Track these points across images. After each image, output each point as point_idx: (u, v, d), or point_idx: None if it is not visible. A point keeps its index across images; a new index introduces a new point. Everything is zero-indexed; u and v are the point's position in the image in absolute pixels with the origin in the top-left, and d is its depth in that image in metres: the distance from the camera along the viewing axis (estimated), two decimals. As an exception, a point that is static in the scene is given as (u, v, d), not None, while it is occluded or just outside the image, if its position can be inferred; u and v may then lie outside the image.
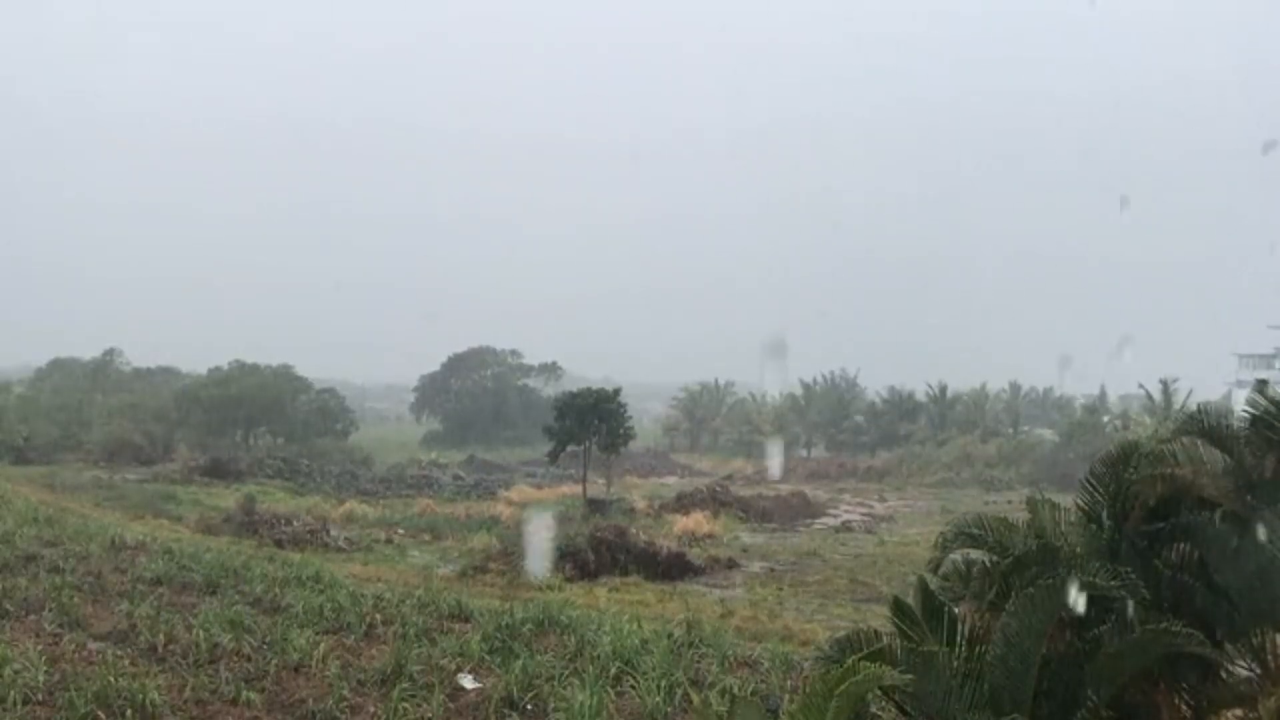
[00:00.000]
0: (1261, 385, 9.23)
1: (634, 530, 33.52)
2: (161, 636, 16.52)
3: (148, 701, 13.08)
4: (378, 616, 19.04)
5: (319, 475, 57.98)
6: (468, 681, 15.11)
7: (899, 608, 9.23)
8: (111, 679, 13.61)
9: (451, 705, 14.07)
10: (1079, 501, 9.82)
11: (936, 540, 10.43)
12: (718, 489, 49.23)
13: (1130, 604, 8.41)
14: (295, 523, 36.47)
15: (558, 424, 47.32)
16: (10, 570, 21.99)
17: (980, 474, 65.49)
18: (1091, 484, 9.71)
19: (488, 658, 16.28)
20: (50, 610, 18.30)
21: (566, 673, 15.23)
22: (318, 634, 17.38)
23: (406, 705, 13.67)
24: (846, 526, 42.96)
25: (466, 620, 19.40)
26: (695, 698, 12.96)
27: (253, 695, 13.88)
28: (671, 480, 64.64)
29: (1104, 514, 9.48)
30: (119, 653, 15.70)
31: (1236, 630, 8.89)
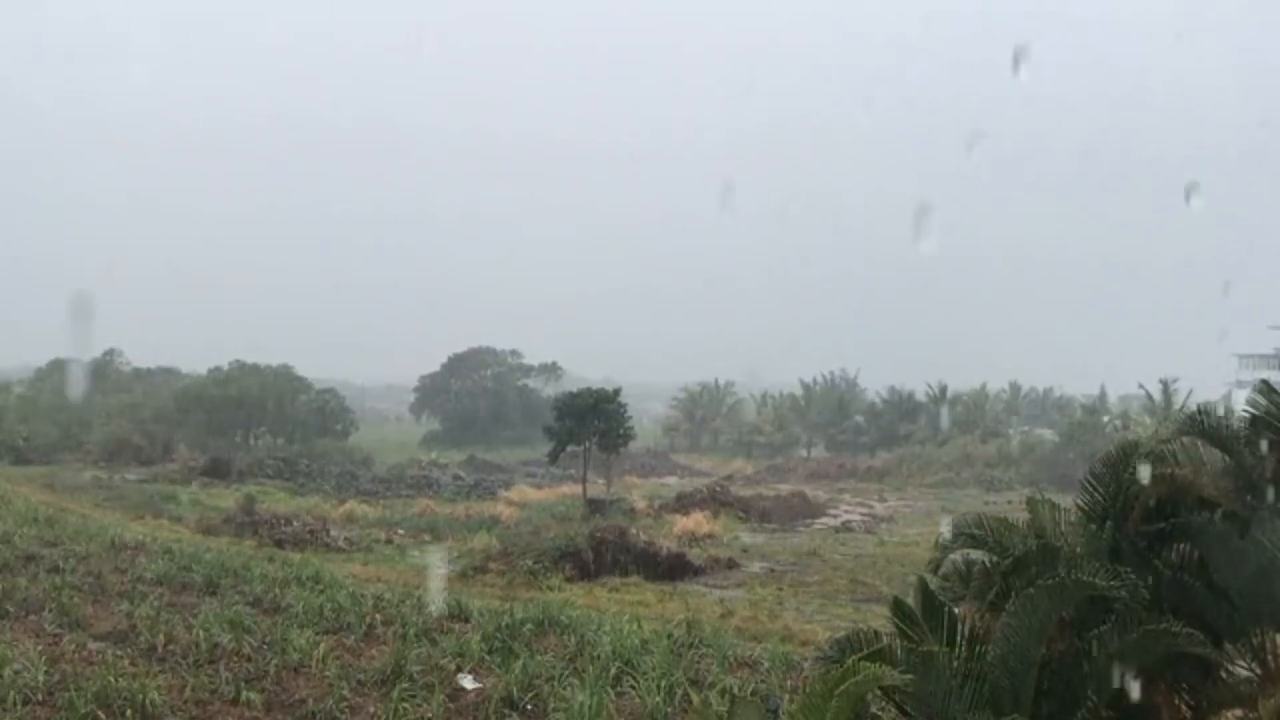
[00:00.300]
0: (1265, 385, 9.22)
1: (634, 530, 33.50)
2: (161, 637, 16.53)
3: (148, 701, 13.10)
4: (378, 617, 19.05)
5: (319, 475, 57.94)
6: (468, 682, 15.12)
7: (899, 608, 9.23)
8: (111, 679, 13.62)
9: (451, 705, 14.08)
10: (1079, 502, 9.82)
11: (936, 540, 10.43)
12: (718, 489, 49.21)
13: (1130, 604, 8.41)
14: (295, 523, 36.47)
15: (558, 424, 47.29)
16: (10, 570, 22.01)
17: (980, 474, 65.45)
18: (1091, 484, 9.71)
19: (488, 658, 16.29)
20: (50, 610, 18.32)
21: (566, 673, 15.24)
22: (318, 634, 17.40)
23: (406, 705, 13.68)
24: (846, 527, 42.94)
25: (466, 620, 19.41)
26: (695, 698, 12.98)
27: (253, 695, 13.88)
28: (671, 480, 64.62)
29: (1104, 514, 9.48)
30: (119, 653, 15.72)
31: (1236, 630, 8.89)
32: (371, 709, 13.80)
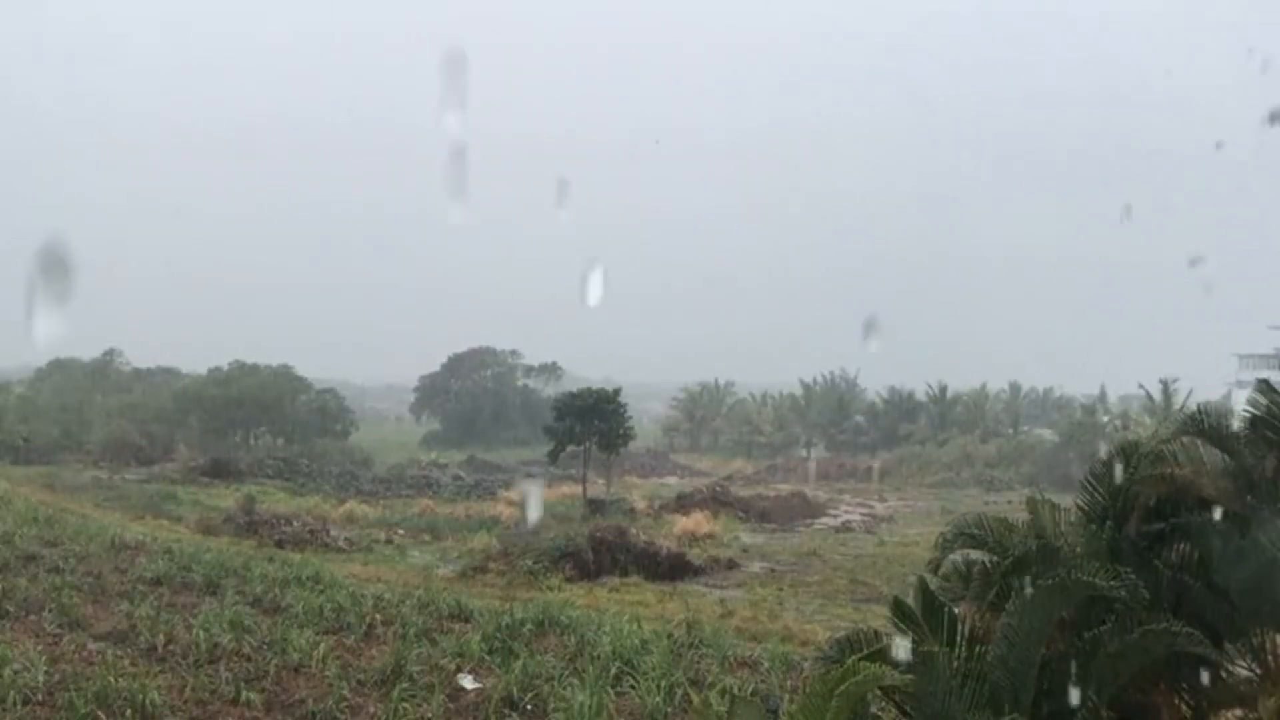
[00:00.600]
0: (1264, 385, 9.21)
1: (634, 530, 33.50)
2: (161, 637, 16.53)
3: (148, 701, 13.10)
4: (378, 617, 19.05)
5: (319, 475, 57.92)
6: (468, 682, 15.12)
7: (899, 608, 9.22)
8: (111, 679, 13.63)
9: (451, 705, 14.08)
10: (1079, 502, 9.82)
11: (936, 540, 10.43)
12: (718, 489, 49.21)
13: (1130, 604, 8.41)
14: (295, 523, 36.47)
15: (558, 424, 47.30)
16: (10, 570, 22.00)
17: (980, 474, 65.45)
18: (1091, 484, 9.71)
19: (488, 658, 16.29)
20: (50, 610, 18.31)
21: (566, 673, 15.24)
22: (318, 634, 17.40)
23: (406, 705, 13.68)
24: (846, 527, 42.94)
25: (466, 620, 19.41)
26: (695, 698, 12.98)
27: (253, 695, 13.88)
28: (671, 480, 64.60)
29: (1104, 514, 9.48)
30: (119, 653, 15.71)
31: (1236, 630, 8.89)
32: (371, 709, 13.80)
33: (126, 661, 15.19)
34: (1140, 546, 9.22)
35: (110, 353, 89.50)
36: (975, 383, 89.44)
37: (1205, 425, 9.38)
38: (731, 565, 31.56)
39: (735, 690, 14.06)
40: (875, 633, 9.13)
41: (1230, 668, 9.03)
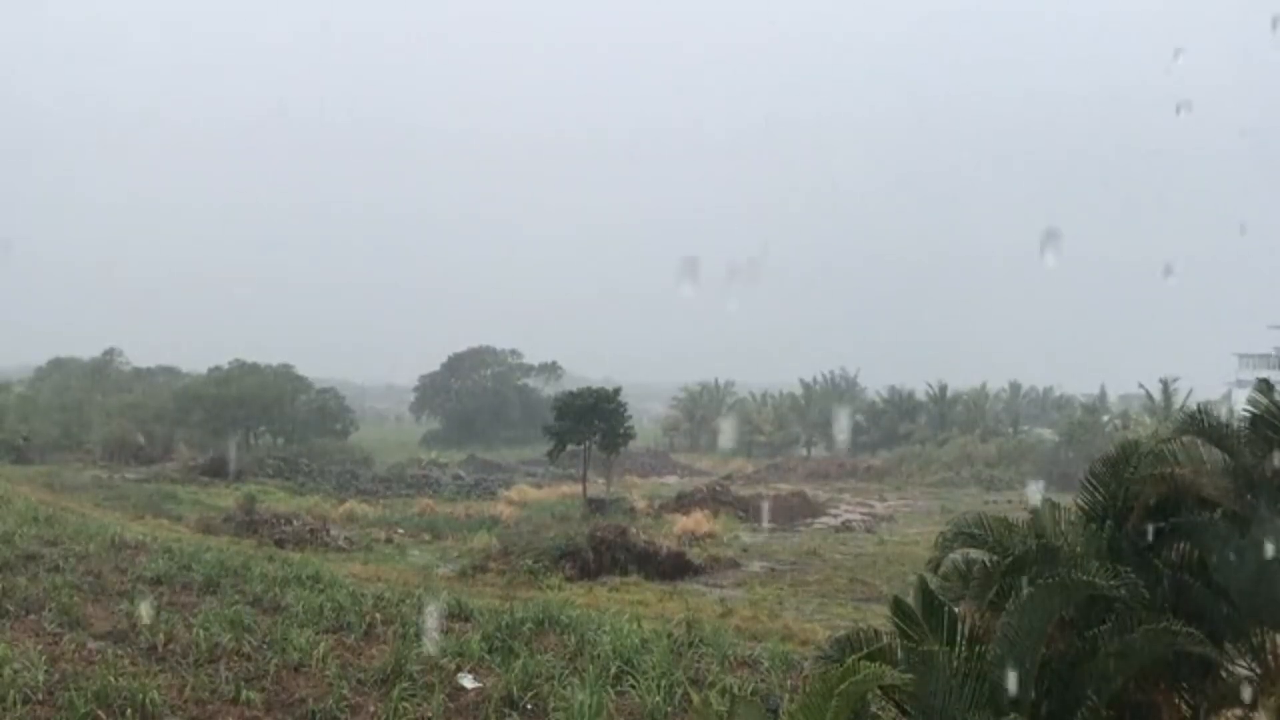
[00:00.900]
0: (1264, 385, 9.22)
1: (634, 530, 33.51)
2: (161, 636, 16.52)
3: (148, 701, 13.08)
4: (378, 616, 19.05)
5: (319, 475, 57.95)
6: (468, 681, 15.11)
7: (899, 607, 9.22)
8: (111, 678, 13.61)
9: (451, 705, 14.07)
10: (1079, 501, 9.82)
11: (936, 540, 10.43)
12: (718, 488, 49.21)
13: (1130, 603, 8.41)
14: (295, 522, 36.48)
15: (558, 424, 47.31)
16: (10, 569, 21.98)
17: (980, 473, 65.46)
18: (1092, 484, 9.71)
19: (488, 657, 16.29)
20: (50, 610, 18.30)
21: (566, 672, 15.24)
22: (318, 633, 17.39)
23: (406, 705, 13.68)
24: (846, 526, 42.95)
25: (467, 620, 19.41)
26: (695, 697, 12.97)
27: (253, 695, 13.88)
28: (671, 480, 64.62)
29: (1104, 513, 9.48)
30: (119, 652, 15.71)
31: (1236, 630, 8.89)
32: (371, 708, 13.80)
33: (126, 661, 15.18)
34: (1140, 546, 9.22)
35: (110, 352, 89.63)
36: (975, 382, 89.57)
37: (1205, 425, 9.39)
38: (731, 565, 31.58)
39: (735, 689, 14.06)
40: (875, 632, 9.13)
41: (1230, 668, 9.03)
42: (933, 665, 8.17)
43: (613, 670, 15.27)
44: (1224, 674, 9.00)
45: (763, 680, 15.56)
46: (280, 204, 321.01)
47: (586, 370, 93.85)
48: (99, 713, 12.70)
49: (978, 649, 8.57)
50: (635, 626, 18.48)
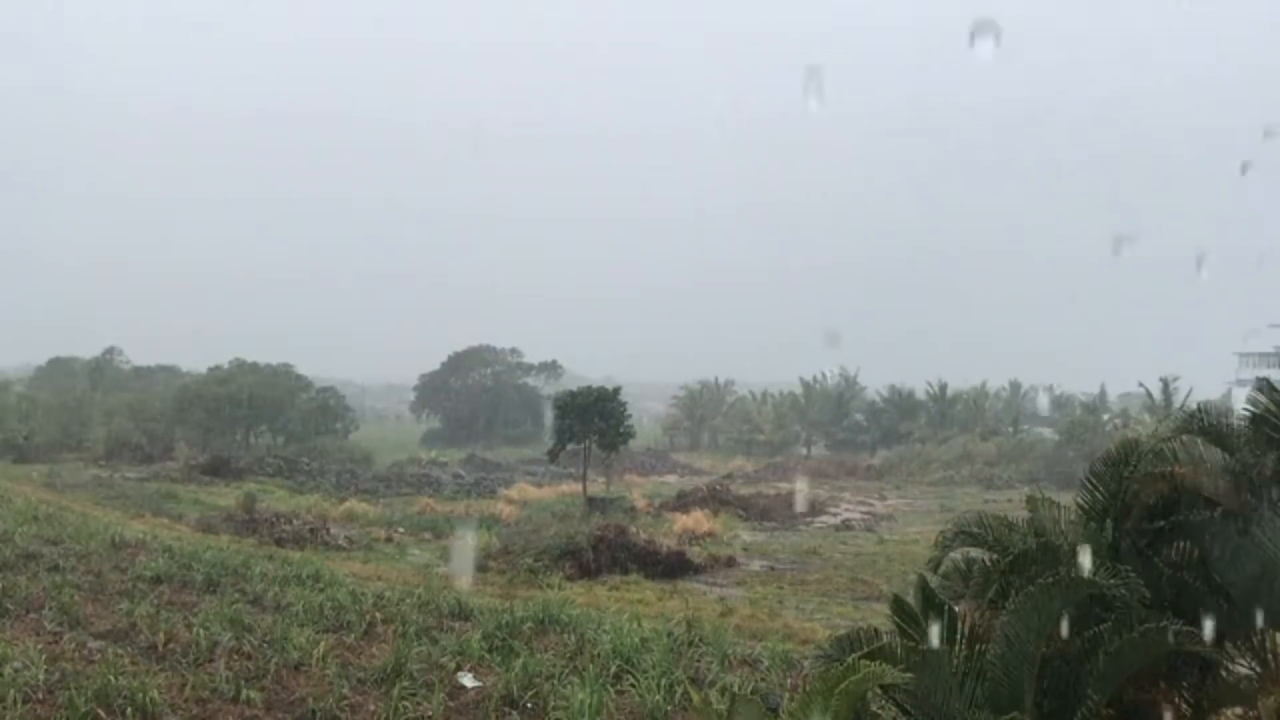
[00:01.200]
0: (1265, 383, 9.21)
1: (634, 529, 33.51)
2: (161, 635, 16.52)
3: (148, 700, 13.08)
4: (378, 615, 19.05)
5: (319, 474, 57.90)
6: (468, 680, 15.11)
7: (899, 606, 9.23)
8: (111, 677, 13.61)
9: (451, 704, 14.07)
10: (1079, 500, 9.81)
11: (936, 539, 10.43)
12: (718, 487, 49.21)
13: (1130, 602, 8.40)
14: (295, 521, 36.45)
15: (558, 422, 47.28)
16: (10, 568, 22.00)
17: (980, 472, 65.45)
18: (1092, 483, 9.71)
19: (488, 656, 16.28)
20: (50, 609, 18.31)
21: (566, 671, 15.24)
22: (318, 632, 17.40)
23: (406, 704, 13.68)
24: (846, 525, 42.94)
25: (467, 619, 19.41)
26: (695, 696, 12.95)
27: (253, 694, 13.88)
28: (671, 479, 64.61)
29: (1104, 512, 9.47)
30: (119, 651, 15.71)
31: (1236, 629, 8.89)
32: (372, 707, 13.80)
33: (126, 660, 15.18)
34: (1140, 545, 9.22)
35: (110, 351, 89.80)
36: (975, 381, 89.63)
37: (1205, 423, 9.38)
38: (731, 563, 31.57)
39: (735, 688, 14.05)
40: (875, 631, 9.13)
41: (1230, 667, 9.03)
42: (933, 664, 8.18)
43: (613, 669, 15.28)
44: (1224, 673, 8.99)
45: (763, 679, 15.56)
46: (281, 203, 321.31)
47: (586, 369, 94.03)
48: (99, 711, 12.69)
49: (978, 648, 8.57)
50: (635, 625, 18.47)
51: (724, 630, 19.15)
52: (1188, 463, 9.12)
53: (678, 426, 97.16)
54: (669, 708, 13.76)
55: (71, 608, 18.36)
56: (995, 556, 9.57)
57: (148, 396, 74.38)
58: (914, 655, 8.20)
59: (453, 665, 15.72)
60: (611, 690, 14.24)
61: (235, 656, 15.68)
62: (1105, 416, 73.20)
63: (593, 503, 43.33)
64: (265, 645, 16.27)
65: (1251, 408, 9.12)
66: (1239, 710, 9.00)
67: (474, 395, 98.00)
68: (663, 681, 14.41)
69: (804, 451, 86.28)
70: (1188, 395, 61.56)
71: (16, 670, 13.87)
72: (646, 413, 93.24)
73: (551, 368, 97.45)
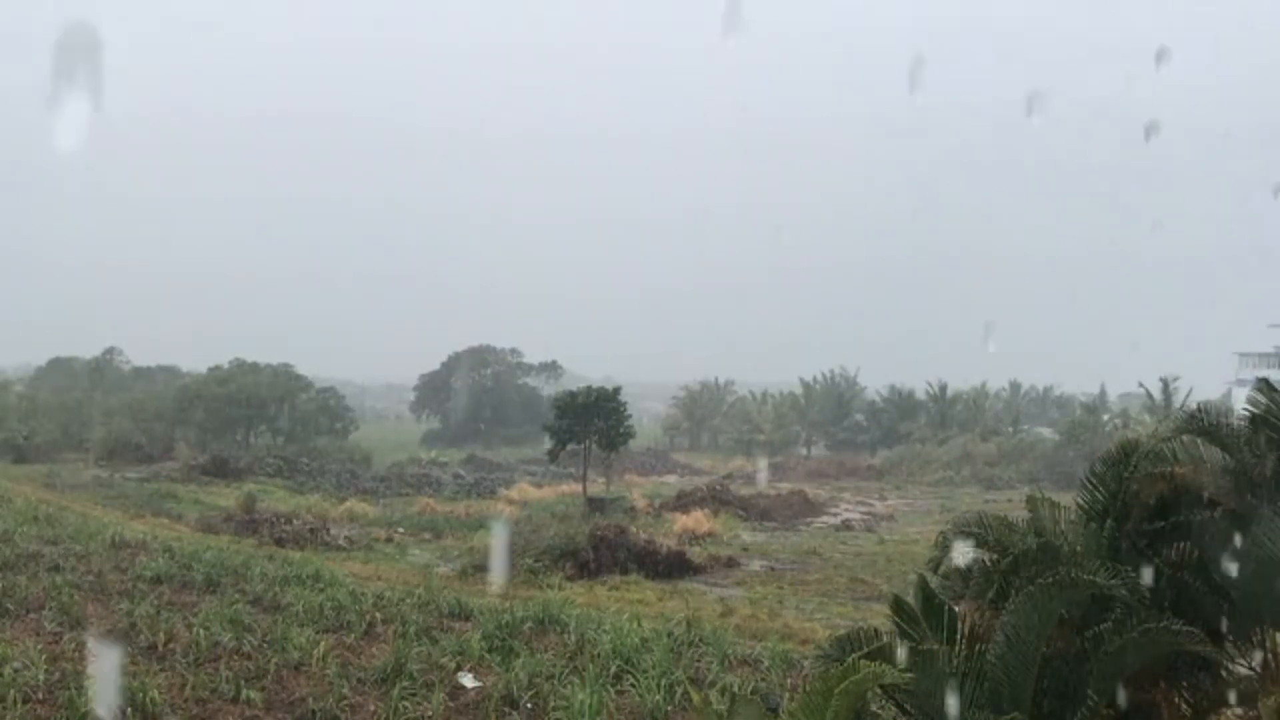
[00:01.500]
0: (1264, 384, 9.21)
1: (634, 529, 33.51)
2: (161, 635, 16.52)
3: (148, 700, 13.08)
4: (378, 615, 19.05)
5: (319, 474, 57.88)
6: (468, 680, 15.12)
7: (899, 606, 9.22)
8: (112, 678, 13.61)
9: (451, 704, 14.07)
10: (1079, 500, 9.81)
11: (936, 539, 10.43)
12: (718, 488, 49.18)
13: (1130, 602, 8.40)
14: (295, 521, 36.46)
15: (558, 422, 47.25)
16: (10, 568, 21.99)
17: (980, 472, 65.41)
18: (1092, 483, 9.71)
19: (488, 656, 16.29)
20: (50, 609, 18.30)
21: (567, 671, 15.24)
22: (318, 632, 17.39)
23: (406, 704, 13.68)
24: (847, 525, 42.94)
25: (467, 619, 19.41)
26: (695, 696, 12.95)
27: (253, 693, 13.88)
28: (671, 479, 64.55)
29: (1104, 512, 9.47)
30: (119, 651, 15.70)
31: (1236, 629, 8.88)
32: (372, 707, 13.80)
33: (127, 660, 15.18)
34: (1140, 545, 9.22)
35: (110, 351, 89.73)
36: (975, 381, 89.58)
37: (1205, 424, 9.38)
38: (731, 564, 31.56)
39: (735, 688, 14.06)
40: (875, 631, 9.12)
41: (1230, 666, 9.03)
42: (933, 664, 8.17)
43: (613, 669, 15.28)
44: (1224, 673, 8.99)
45: (763, 679, 15.56)
46: (281, 203, 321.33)
47: (586, 370, 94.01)
48: (99, 712, 12.69)
49: (978, 648, 8.57)
50: (635, 625, 18.47)
51: (724, 630, 19.16)
52: (1188, 463, 9.12)
53: (678, 426, 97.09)
54: (669, 708, 13.77)
55: (71, 608, 18.35)
56: (995, 557, 9.57)
57: (148, 397, 74.33)
58: (914, 655, 8.20)
59: (453, 665, 15.72)
60: (611, 690, 14.24)
61: (235, 656, 15.68)
62: (1105, 417, 73.18)
63: (593, 503, 43.31)
64: (265, 645, 16.28)
65: (1251, 408, 9.12)
66: (1239, 710, 9.00)
67: (474, 395, 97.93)
68: (663, 681, 14.41)
69: (804, 451, 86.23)
70: (1188, 395, 61.62)
71: (16, 670, 13.86)
72: (646, 413, 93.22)
73: (551, 368, 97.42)
